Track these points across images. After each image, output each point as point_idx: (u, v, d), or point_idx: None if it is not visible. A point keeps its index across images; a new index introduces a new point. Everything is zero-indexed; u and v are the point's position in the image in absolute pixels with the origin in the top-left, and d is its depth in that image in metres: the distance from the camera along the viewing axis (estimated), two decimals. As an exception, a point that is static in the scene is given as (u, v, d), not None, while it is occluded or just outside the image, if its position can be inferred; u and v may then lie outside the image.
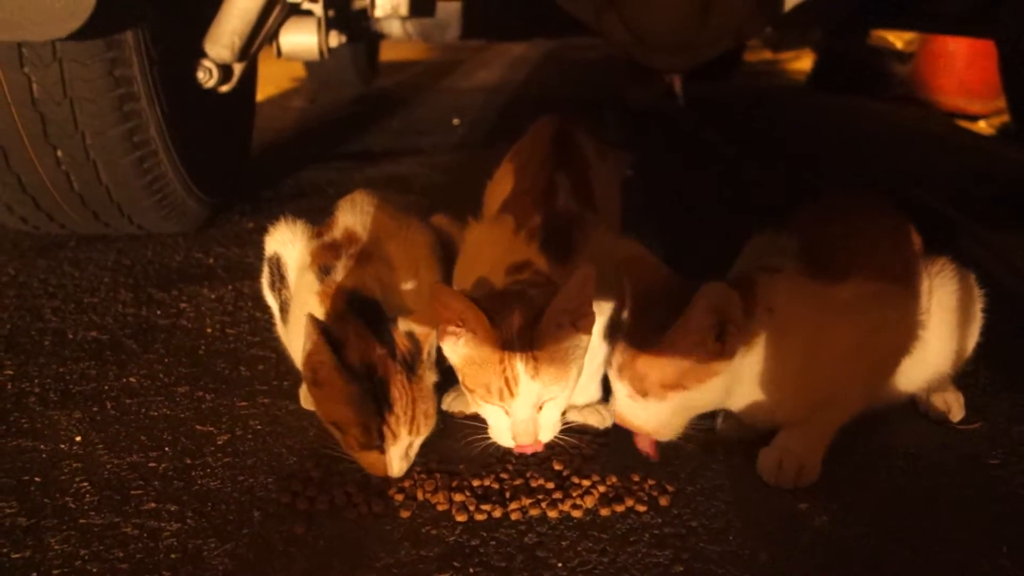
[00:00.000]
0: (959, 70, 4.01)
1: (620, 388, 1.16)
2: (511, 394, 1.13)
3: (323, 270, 1.31)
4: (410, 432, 1.18)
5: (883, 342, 1.22)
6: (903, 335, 1.24)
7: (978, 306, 1.31)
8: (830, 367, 1.18)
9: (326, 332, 1.16)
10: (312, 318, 1.16)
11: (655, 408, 1.14)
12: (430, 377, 1.24)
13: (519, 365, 1.12)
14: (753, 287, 1.17)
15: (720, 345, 1.11)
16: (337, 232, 1.37)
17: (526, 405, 1.14)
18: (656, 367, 1.12)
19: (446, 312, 1.14)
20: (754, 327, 1.14)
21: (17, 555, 1.05)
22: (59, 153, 1.86)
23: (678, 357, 1.11)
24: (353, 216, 1.39)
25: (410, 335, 1.21)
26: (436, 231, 1.44)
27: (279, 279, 1.37)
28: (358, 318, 1.22)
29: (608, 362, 1.19)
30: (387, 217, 1.40)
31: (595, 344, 1.24)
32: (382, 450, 1.17)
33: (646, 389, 1.13)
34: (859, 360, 1.19)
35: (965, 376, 1.38)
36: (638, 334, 1.14)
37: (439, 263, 1.40)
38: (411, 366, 1.20)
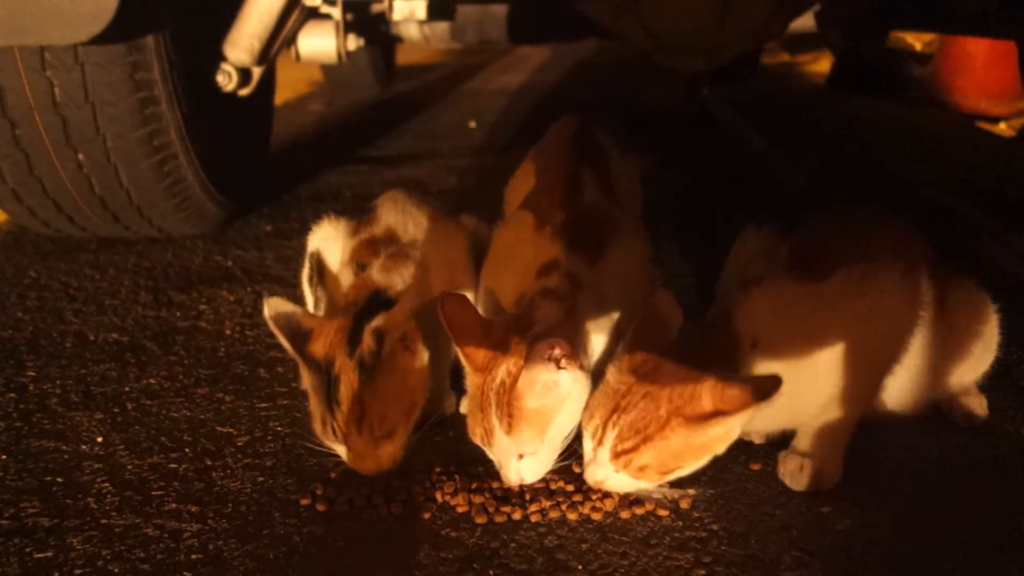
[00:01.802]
0: (978, 72, 3.97)
1: (611, 466, 1.10)
2: (489, 444, 1.14)
3: (360, 267, 1.32)
4: (360, 432, 1.14)
5: (882, 327, 1.17)
6: (904, 321, 1.20)
7: (995, 319, 1.29)
8: (832, 364, 1.14)
9: (280, 321, 1.16)
10: (266, 306, 1.17)
11: (644, 485, 1.11)
12: (400, 377, 1.17)
13: (495, 420, 1.12)
14: (732, 325, 1.14)
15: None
16: (378, 229, 1.38)
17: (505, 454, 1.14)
18: (658, 458, 1.07)
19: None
20: (746, 366, 1.12)
21: (40, 555, 1.06)
22: (80, 156, 1.88)
23: (692, 448, 1.07)
24: (394, 215, 1.40)
25: (377, 333, 1.16)
26: (471, 232, 1.45)
27: (317, 275, 1.38)
28: (359, 314, 1.20)
29: (596, 439, 1.10)
30: (425, 218, 1.41)
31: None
32: (345, 447, 1.17)
33: (644, 476, 1.09)
34: (860, 349, 1.15)
35: (988, 380, 1.36)
36: (651, 420, 1.07)
37: (473, 264, 1.40)
38: (367, 366, 1.15)
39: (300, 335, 1.18)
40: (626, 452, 1.07)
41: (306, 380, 1.19)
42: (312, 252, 1.40)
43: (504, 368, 1.11)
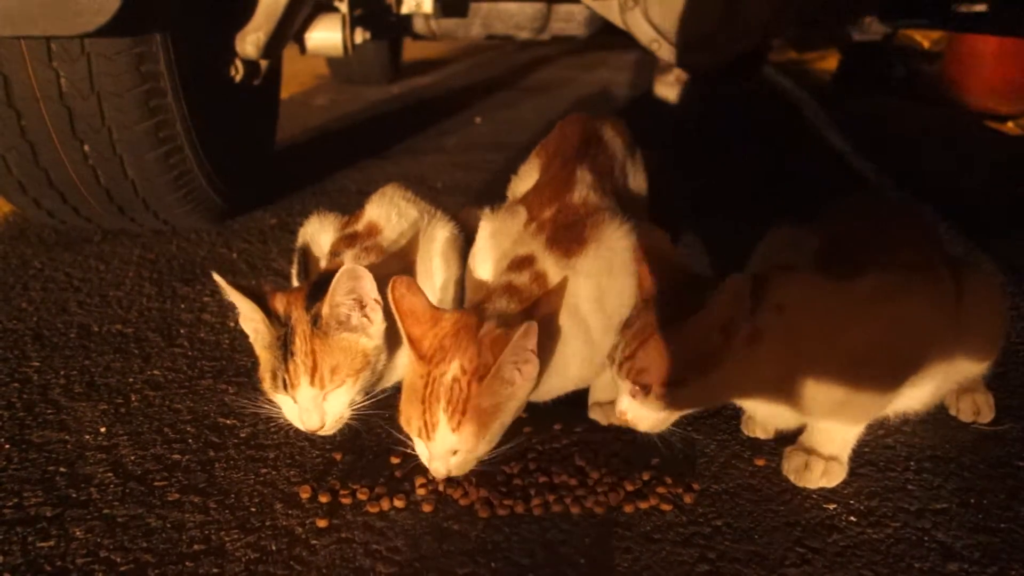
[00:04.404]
0: (987, 70, 3.95)
1: (622, 385, 1.13)
2: (429, 438, 1.11)
3: (334, 256, 1.34)
4: (312, 383, 1.17)
5: (907, 335, 1.15)
6: (928, 329, 1.18)
7: (1007, 310, 1.28)
8: (853, 364, 1.12)
9: (241, 287, 1.20)
10: (215, 274, 1.20)
11: (654, 407, 1.11)
12: (353, 337, 1.20)
13: (441, 415, 1.10)
14: (764, 284, 1.12)
15: (725, 339, 1.07)
16: (360, 225, 1.39)
17: (440, 450, 1.12)
18: (657, 361, 1.09)
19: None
20: (760, 325, 1.09)
21: (43, 544, 1.06)
22: (86, 148, 1.87)
23: (686, 349, 1.08)
24: (379, 209, 1.41)
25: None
26: (463, 224, 1.44)
27: (303, 269, 1.39)
28: (318, 281, 1.23)
29: (610, 356, 1.15)
30: (414, 209, 1.41)
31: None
32: (294, 399, 1.19)
33: (647, 384, 1.10)
34: (883, 355, 1.13)
35: (995, 377, 1.36)
36: (647, 324, 1.11)
37: (460, 256, 1.40)
38: (321, 321, 1.18)
39: (259, 294, 1.22)
40: (627, 359, 1.11)
41: (260, 340, 1.22)
42: (300, 246, 1.41)
43: (458, 364, 1.09)
